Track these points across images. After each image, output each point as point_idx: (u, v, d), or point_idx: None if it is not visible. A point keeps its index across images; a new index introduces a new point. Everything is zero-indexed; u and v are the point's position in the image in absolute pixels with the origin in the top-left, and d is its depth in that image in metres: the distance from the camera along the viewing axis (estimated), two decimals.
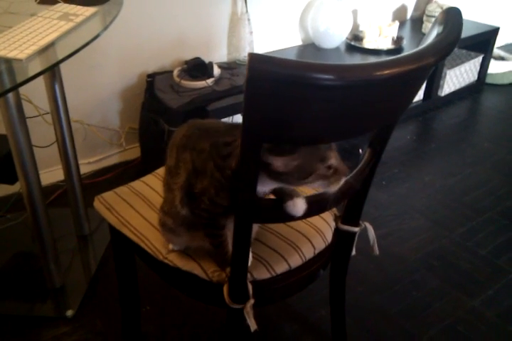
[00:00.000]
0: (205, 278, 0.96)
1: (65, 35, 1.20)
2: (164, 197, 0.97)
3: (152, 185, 1.17)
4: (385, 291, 1.57)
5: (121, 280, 1.25)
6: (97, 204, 1.12)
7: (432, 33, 0.82)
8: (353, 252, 1.15)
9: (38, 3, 1.38)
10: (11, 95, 1.20)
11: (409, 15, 2.88)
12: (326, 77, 0.64)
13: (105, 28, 1.26)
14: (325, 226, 1.07)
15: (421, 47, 0.77)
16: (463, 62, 2.77)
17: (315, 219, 1.07)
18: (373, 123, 0.84)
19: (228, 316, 0.98)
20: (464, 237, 1.79)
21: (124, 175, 2.06)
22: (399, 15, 2.82)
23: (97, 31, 1.23)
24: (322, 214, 1.09)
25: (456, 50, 2.84)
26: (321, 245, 1.04)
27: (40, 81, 1.50)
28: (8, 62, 1.06)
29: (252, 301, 0.93)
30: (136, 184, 1.17)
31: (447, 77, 2.70)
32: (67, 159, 1.65)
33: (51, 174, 1.92)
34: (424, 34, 2.63)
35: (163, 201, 0.97)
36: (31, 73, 1.02)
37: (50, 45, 1.15)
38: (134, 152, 2.12)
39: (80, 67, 1.84)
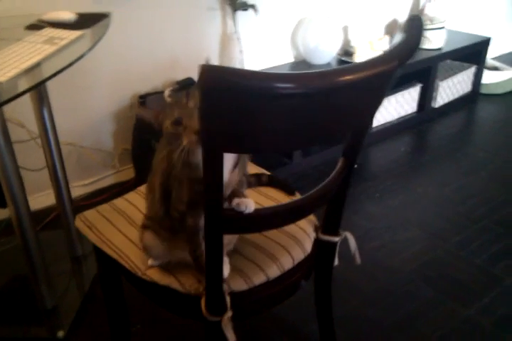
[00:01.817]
0: (182, 292, 0.97)
1: (49, 57, 1.23)
2: (148, 199, 0.99)
3: (134, 202, 1.19)
4: (378, 303, 1.55)
5: (108, 298, 1.26)
6: (78, 222, 1.14)
7: (397, 40, 0.84)
8: (336, 262, 1.15)
9: (26, 28, 1.42)
10: None
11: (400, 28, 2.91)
12: (276, 85, 0.66)
13: (90, 49, 1.28)
14: (303, 236, 1.08)
15: (382, 53, 0.79)
16: (455, 73, 2.79)
17: (293, 230, 1.08)
18: (338, 130, 0.85)
19: (206, 329, 0.98)
20: (458, 247, 1.78)
21: (118, 195, 2.06)
22: (391, 29, 2.85)
23: (81, 52, 1.26)
24: (301, 225, 1.10)
25: (448, 61, 2.86)
26: (299, 255, 1.05)
27: (31, 105, 1.54)
28: None
29: (229, 313, 0.94)
30: (118, 201, 1.19)
31: (440, 88, 2.72)
32: (58, 182, 1.67)
33: (45, 197, 1.94)
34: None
35: (147, 204, 1.00)
36: (10, 95, 1.04)
37: (34, 68, 1.17)
38: (128, 173, 2.15)
39: (72, 90, 1.88)
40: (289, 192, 1.20)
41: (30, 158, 1.77)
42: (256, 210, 0.85)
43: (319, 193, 0.91)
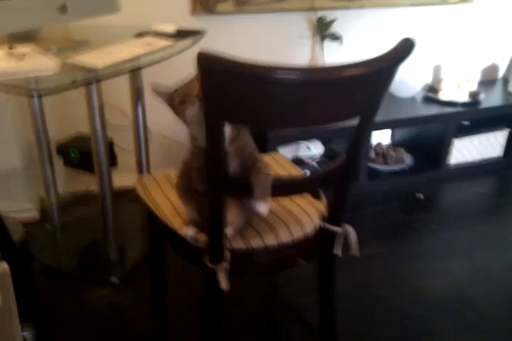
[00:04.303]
0: (193, 245, 1.18)
1: (137, 57, 1.53)
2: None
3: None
4: (391, 321, 1.63)
5: (153, 252, 1.51)
6: (136, 182, 1.42)
7: None
8: (339, 252, 1.29)
9: (134, 36, 1.75)
10: (95, 101, 1.56)
11: (500, 74, 2.94)
12: (253, 73, 0.86)
13: (170, 56, 1.57)
14: (307, 219, 1.24)
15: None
16: None
17: (299, 213, 1.25)
18: (330, 117, 1.01)
19: (206, 276, 1.18)
20: (497, 288, 1.78)
21: None
22: (489, 73, 2.89)
23: (161, 57, 1.55)
24: (307, 210, 1.26)
25: None
26: (298, 234, 1.21)
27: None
28: (87, 69, 1.41)
29: (225, 264, 1.13)
30: (170, 171, 1.45)
31: None
32: (141, 165, 2.00)
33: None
34: (509, 93, 2.68)
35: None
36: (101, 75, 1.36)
37: (123, 62, 1.47)
38: None
39: None
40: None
41: (129, 141, 2.09)
42: None
43: (314, 177, 1.09)
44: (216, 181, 1.03)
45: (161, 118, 2.07)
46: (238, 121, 0.98)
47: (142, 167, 2.00)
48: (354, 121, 1.07)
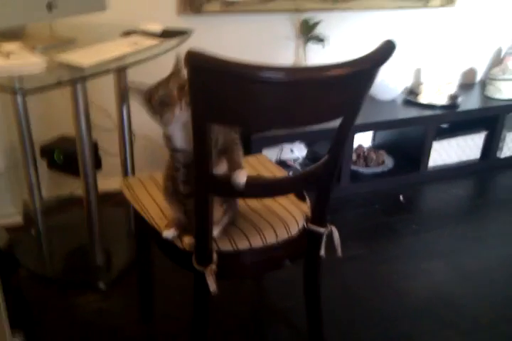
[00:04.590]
0: (180, 247, 1.19)
1: (124, 56, 1.53)
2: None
3: None
4: (375, 321, 1.66)
5: (140, 254, 1.52)
6: (122, 183, 1.42)
7: None
8: (322, 253, 1.31)
9: (121, 34, 1.75)
10: (80, 101, 1.55)
11: (478, 77, 3.00)
12: (239, 72, 0.88)
13: (156, 56, 1.58)
14: (291, 220, 1.26)
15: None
16: None
17: (284, 214, 1.27)
18: (313, 117, 1.03)
19: (195, 278, 1.19)
20: (479, 287, 1.82)
21: None
22: (468, 77, 2.95)
23: (147, 56, 1.55)
24: (291, 210, 1.28)
25: None
26: (283, 235, 1.23)
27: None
28: (75, 67, 1.40)
29: (213, 266, 1.14)
30: (155, 174, 1.45)
31: (507, 139, 2.76)
32: (126, 168, 2.00)
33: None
34: (486, 96, 2.75)
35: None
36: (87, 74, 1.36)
37: (109, 61, 1.47)
38: None
39: None
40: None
41: (114, 144, 2.09)
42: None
43: (297, 177, 1.10)
44: (203, 182, 1.04)
45: (145, 120, 2.06)
46: (224, 122, 0.99)
47: (127, 169, 2.00)
48: (336, 123, 1.10)
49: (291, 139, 2.37)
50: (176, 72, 1.08)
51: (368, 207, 2.35)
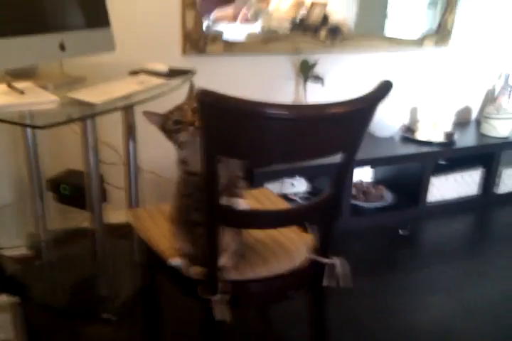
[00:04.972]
0: (185, 275, 1.22)
1: (134, 93, 1.60)
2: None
3: None
4: None
5: (147, 284, 1.54)
6: (129, 215, 1.46)
7: None
8: (325, 283, 1.33)
9: (128, 73, 1.83)
10: (90, 138, 1.61)
11: (473, 116, 3.09)
12: (249, 109, 0.94)
13: (163, 94, 1.64)
14: (295, 251, 1.30)
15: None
16: None
17: (288, 245, 1.31)
18: (315, 152, 1.08)
19: (202, 308, 1.20)
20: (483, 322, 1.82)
21: None
22: (463, 115, 3.04)
23: (154, 94, 1.62)
24: (295, 242, 1.32)
25: None
26: (287, 265, 1.26)
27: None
28: (86, 104, 1.47)
29: (219, 295, 1.16)
30: (162, 205, 1.49)
31: (504, 176, 2.82)
32: (131, 202, 2.03)
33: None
34: (482, 134, 2.82)
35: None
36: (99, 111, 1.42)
37: (121, 98, 1.54)
38: None
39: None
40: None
41: (119, 178, 2.14)
42: (246, 210, 1.11)
43: (301, 209, 1.15)
44: (212, 211, 1.08)
45: (149, 155, 2.14)
46: (233, 155, 1.04)
47: (133, 203, 2.03)
48: (336, 159, 1.15)
49: (291, 174, 2.42)
50: (190, 98, 1.16)
51: (370, 241, 2.38)
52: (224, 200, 1.12)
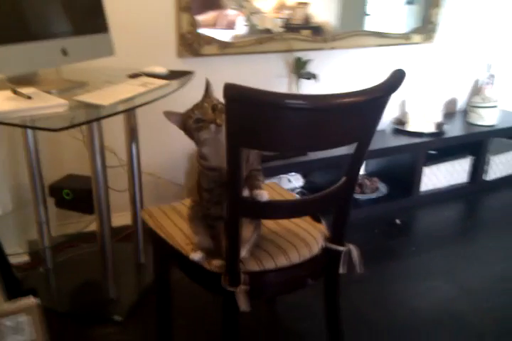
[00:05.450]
0: (207, 269, 1.25)
1: (140, 94, 1.62)
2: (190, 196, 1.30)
3: (187, 204, 1.50)
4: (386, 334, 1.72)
5: (158, 283, 1.56)
6: (143, 214, 1.48)
7: None
8: (341, 270, 1.38)
9: (128, 76, 1.85)
10: (97, 142, 1.62)
11: (458, 106, 3.17)
12: (274, 102, 0.97)
13: (171, 92, 1.66)
14: (312, 240, 1.33)
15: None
16: (508, 150, 2.97)
17: (304, 235, 1.34)
18: (333, 142, 1.12)
19: (224, 300, 1.24)
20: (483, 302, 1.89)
21: None
22: (450, 106, 3.12)
23: (162, 94, 1.64)
24: (312, 232, 1.36)
25: (504, 140, 3.03)
26: (306, 254, 1.30)
27: (124, 138, 1.96)
28: (95, 106, 1.49)
29: (243, 287, 1.20)
30: (176, 204, 1.52)
31: (492, 163, 2.90)
32: (135, 204, 2.05)
33: (124, 217, 2.30)
34: (469, 123, 2.90)
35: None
36: (110, 113, 1.44)
37: (128, 99, 1.56)
38: None
39: (158, 133, 2.30)
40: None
41: (118, 181, 2.16)
42: (268, 201, 1.14)
43: (318, 198, 1.19)
44: (235, 204, 1.11)
45: (147, 157, 2.15)
46: (256, 146, 1.08)
47: (137, 205, 2.05)
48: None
49: (287, 169, 2.46)
50: (207, 95, 1.19)
51: (367, 232, 2.44)
52: (246, 193, 1.15)
